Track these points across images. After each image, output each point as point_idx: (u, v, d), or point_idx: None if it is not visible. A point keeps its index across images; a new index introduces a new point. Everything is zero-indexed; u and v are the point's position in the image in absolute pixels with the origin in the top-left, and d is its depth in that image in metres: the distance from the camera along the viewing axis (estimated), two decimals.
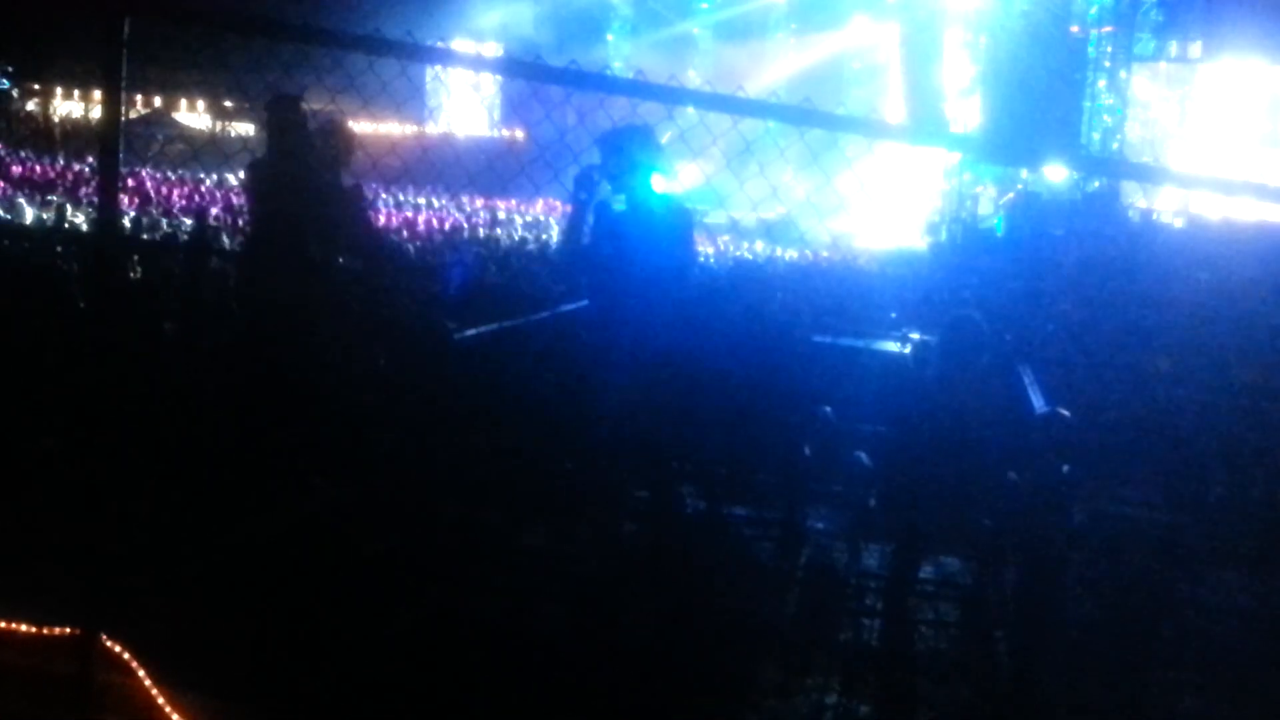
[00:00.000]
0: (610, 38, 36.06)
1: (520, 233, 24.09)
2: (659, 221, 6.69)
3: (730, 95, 4.63)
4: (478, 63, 12.34)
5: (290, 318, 7.63)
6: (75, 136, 24.95)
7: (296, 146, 7.89)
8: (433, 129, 32.80)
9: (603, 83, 5.97)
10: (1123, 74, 26.89)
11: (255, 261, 8.03)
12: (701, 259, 9.08)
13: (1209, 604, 6.65)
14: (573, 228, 6.79)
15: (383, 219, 20.94)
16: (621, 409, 6.57)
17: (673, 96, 5.56)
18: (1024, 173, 23.33)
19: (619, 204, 6.74)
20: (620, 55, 35.32)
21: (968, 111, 27.77)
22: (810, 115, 4.51)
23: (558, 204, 25.82)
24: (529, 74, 5.05)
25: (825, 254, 20.46)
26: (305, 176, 7.78)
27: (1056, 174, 22.02)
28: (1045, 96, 24.38)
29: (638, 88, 5.09)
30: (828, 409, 7.79)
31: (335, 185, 7.96)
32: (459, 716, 5.11)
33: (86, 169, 20.53)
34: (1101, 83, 26.83)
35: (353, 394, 7.58)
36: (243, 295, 8.09)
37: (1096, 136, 26.69)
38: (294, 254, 7.71)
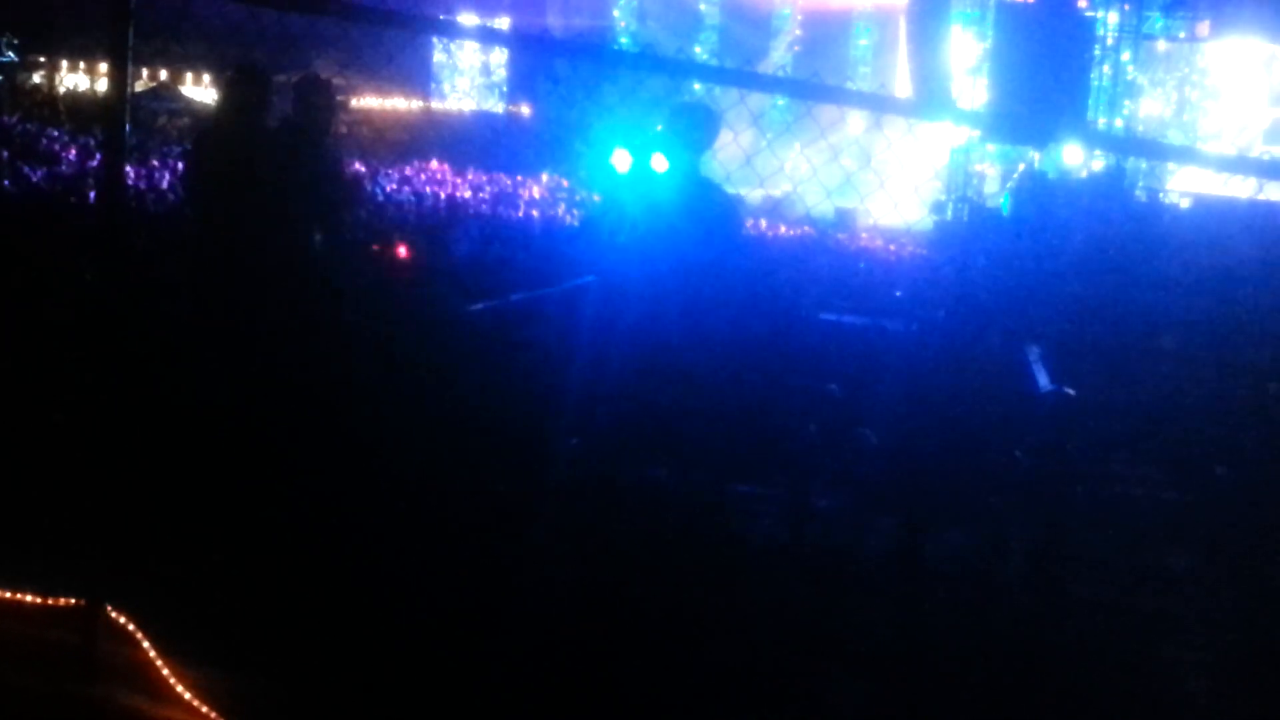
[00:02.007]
0: (616, 13, 35.93)
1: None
2: (698, 204, 6.68)
3: (738, 69, 4.62)
4: (485, 35, 12.29)
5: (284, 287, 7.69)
6: (81, 109, 24.87)
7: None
8: (439, 105, 32.73)
9: (610, 57, 5.96)
10: (1126, 55, 26.73)
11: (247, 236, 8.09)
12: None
13: (1215, 582, 6.65)
14: (609, 198, 6.82)
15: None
16: (629, 385, 6.57)
17: (680, 70, 5.55)
18: (1034, 154, 23.26)
19: (664, 179, 6.73)
20: (627, 31, 35.21)
21: (975, 89, 27.66)
22: (818, 90, 4.50)
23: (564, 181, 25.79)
24: (537, 48, 5.04)
25: (833, 234, 20.40)
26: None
27: (1073, 155, 21.95)
28: (1053, 74, 24.28)
29: (646, 62, 5.09)
30: (833, 386, 7.78)
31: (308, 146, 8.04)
32: (462, 693, 5.12)
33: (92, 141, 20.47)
34: (1110, 65, 26.69)
35: (360, 368, 7.58)
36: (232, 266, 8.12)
37: (1122, 115, 26.51)
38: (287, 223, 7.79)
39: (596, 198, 7.27)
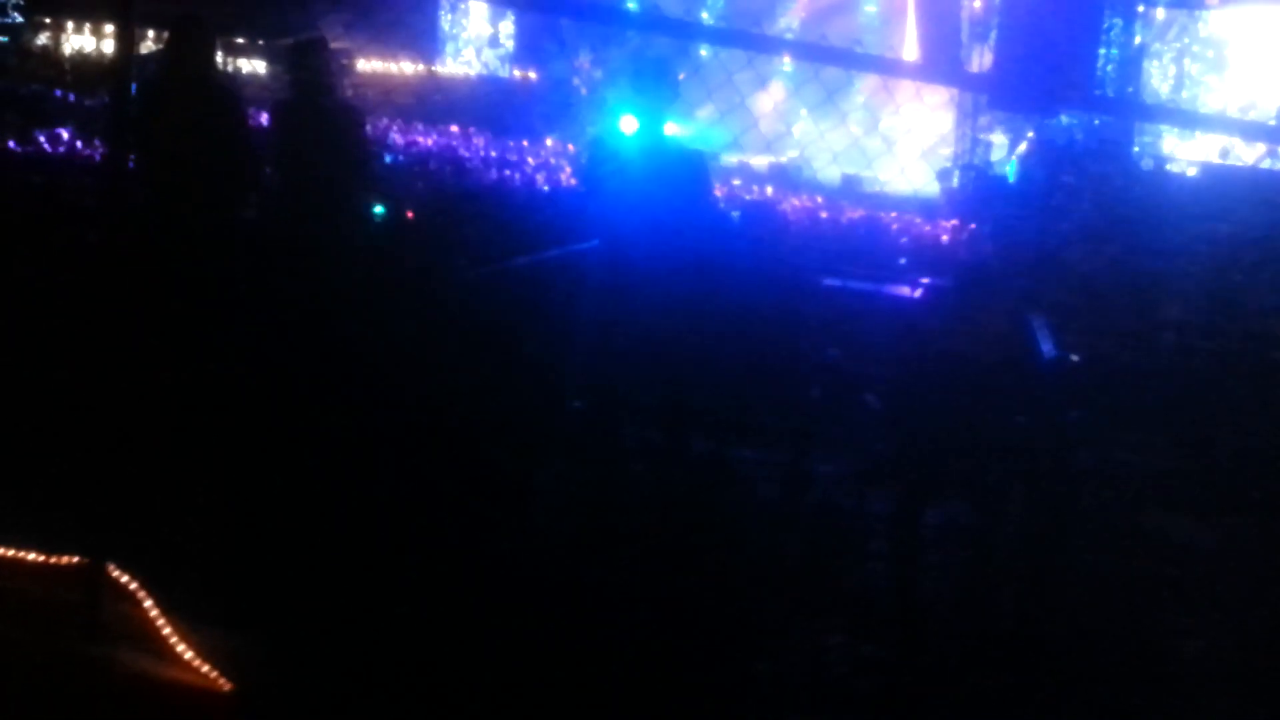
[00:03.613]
0: None
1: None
2: (668, 163, 6.68)
3: (744, 31, 4.60)
4: None
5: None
6: (87, 71, 24.80)
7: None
8: (443, 69, 32.58)
9: (617, 17, 5.94)
10: (1141, 15, 26.37)
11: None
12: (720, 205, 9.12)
13: (1216, 549, 6.66)
14: (588, 164, 6.84)
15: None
16: (630, 349, 6.58)
17: (687, 32, 5.51)
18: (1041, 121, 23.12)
19: (632, 140, 6.73)
20: None
21: (983, 55, 27.47)
22: (826, 53, 4.47)
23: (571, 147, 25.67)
24: (543, 7, 4.99)
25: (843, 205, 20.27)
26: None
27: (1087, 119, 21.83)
28: (1061, 40, 24.12)
29: (652, 23, 5.05)
30: (836, 352, 7.78)
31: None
32: (465, 654, 5.13)
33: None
34: (1118, 32, 26.41)
35: (362, 328, 7.58)
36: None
37: (1132, 83, 26.15)
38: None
39: (571, 167, 7.34)
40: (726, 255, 6.92)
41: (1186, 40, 26.76)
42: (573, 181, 18.88)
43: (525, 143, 27.55)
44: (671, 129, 6.87)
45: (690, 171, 6.81)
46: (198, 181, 7.63)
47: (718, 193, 9.05)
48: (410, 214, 11.13)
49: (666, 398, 6.91)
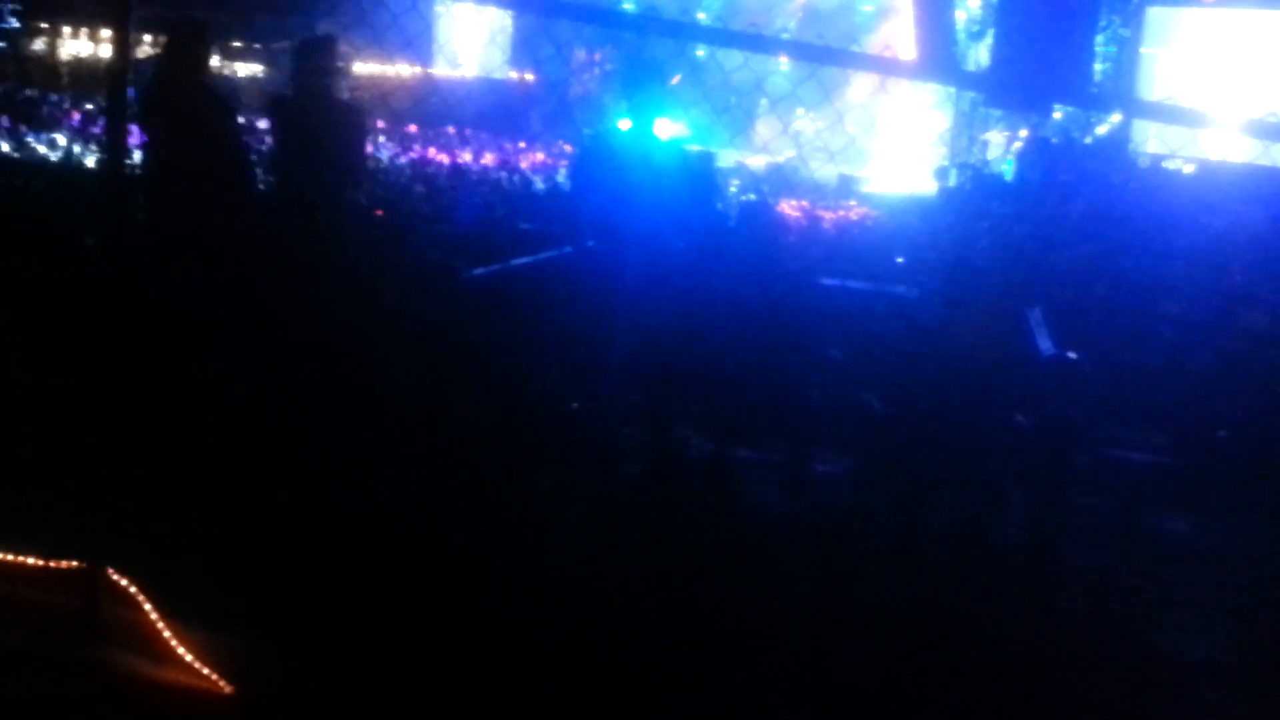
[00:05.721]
0: None
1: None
2: (663, 163, 6.68)
3: (742, 32, 4.60)
4: None
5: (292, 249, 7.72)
6: (84, 76, 24.81)
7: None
8: (441, 71, 32.55)
9: (612, 18, 5.95)
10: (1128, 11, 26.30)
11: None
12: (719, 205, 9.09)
13: (1215, 548, 6.66)
14: (581, 163, 6.84)
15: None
16: (627, 349, 6.58)
17: (683, 33, 5.50)
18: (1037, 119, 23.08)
19: (629, 140, 6.73)
20: None
21: (979, 54, 27.46)
22: (823, 53, 4.49)
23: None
24: (539, 8, 5.00)
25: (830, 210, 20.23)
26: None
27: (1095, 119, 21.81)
28: (1057, 37, 24.06)
29: (648, 24, 5.06)
30: (834, 352, 7.77)
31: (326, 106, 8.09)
32: (466, 656, 5.13)
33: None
34: (1113, 30, 26.39)
35: (360, 332, 7.57)
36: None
37: (1146, 82, 26.09)
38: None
39: (563, 164, 7.35)
40: (725, 255, 6.91)
41: (1181, 36, 26.72)
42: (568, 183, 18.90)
43: (522, 144, 27.53)
44: (665, 128, 6.85)
45: (692, 171, 6.81)
46: (192, 184, 7.66)
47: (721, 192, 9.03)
48: (379, 212, 11.12)
49: (663, 398, 6.91)
